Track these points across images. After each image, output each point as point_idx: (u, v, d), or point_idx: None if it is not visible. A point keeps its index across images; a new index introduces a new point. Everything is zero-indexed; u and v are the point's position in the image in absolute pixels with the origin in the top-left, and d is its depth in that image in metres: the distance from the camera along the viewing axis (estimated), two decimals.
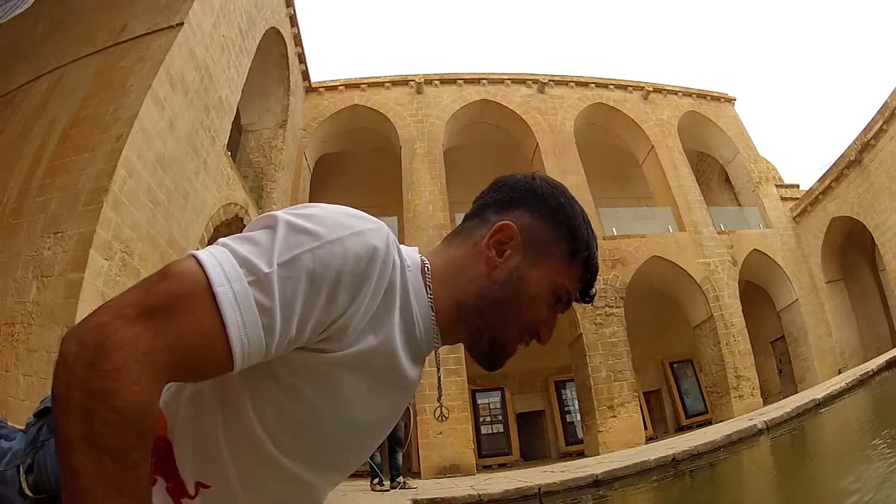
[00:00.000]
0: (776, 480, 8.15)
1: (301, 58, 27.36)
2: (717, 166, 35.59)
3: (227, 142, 17.71)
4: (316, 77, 29.87)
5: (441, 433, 21.49)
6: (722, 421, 22.55)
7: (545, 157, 29.16)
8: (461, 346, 1.70)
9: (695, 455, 11.94)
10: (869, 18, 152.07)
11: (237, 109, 19.49)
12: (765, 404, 23.45)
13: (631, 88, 32.99)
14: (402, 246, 1.60)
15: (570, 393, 29.83)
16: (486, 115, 31.52)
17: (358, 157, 32.82)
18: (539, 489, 10.60)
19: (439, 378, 1.82)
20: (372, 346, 1.43)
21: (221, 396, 1.47)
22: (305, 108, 29.16)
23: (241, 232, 1.38)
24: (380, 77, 30.97)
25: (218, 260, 1.28)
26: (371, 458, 12.85)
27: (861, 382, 15.27)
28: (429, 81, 30.99)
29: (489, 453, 27.56)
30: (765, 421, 13.45)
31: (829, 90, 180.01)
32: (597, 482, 10.88)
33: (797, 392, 24.00)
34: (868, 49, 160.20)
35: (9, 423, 1.78)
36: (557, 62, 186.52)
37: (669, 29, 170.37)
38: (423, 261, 1.67)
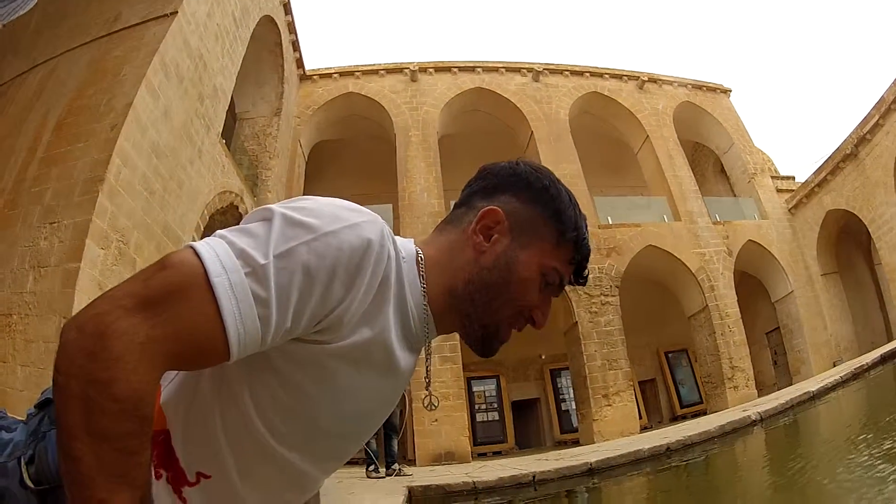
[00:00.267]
0: (768, 471, 8.20)
1: (295, 45, 27.36)
2: (712, 157, 35.65)
3: (221, 130, 17.73)
4: (310, 65, 29.88)
5: (436, 420, 21.57)
6: (717, 411, 22.66)
7: (540, 146, 29.15)
8: (456, 333, 1.71)
9: (689, 445, 12.01)
10: (866, 11, 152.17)
11: (231, 97, 19.48)
12: (759, 396, 23.53)
13: (626, 78, 33.00)
14: (397, 237, 1.61)
15: (565, 381, 29.96)
16: (481, 103, 31.53)
17: (352, 144, 32.85)
18: (534, 477, 10.65)
19: (428, 367, 1.84)
20: (367, 337, 1.45)
21: (219, 388, 1.49)
22: (300, 95, 29.20)
23: (237, 221, 1.39)
24: (374, 65, 30.98)
25: (215, 251, 1.30)
26: (366, 445, 12.89)
27: (855, 376, 15.33)
28: (423, 69, 30.96)
29: (484, 441, 27.68)
30: (759, 412, 13.51)
31: (825, 83, 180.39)
32: (591, 470, 10.93)
33: (792, 384, 24.09)
34: (866, 42, 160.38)
35: (8, 415, 1.79)
36: (552, 51, 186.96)
37: (666, 19, 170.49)
38: (417, 251, 1.67)
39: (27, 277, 10.59)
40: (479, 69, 31.44)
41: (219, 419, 1.49)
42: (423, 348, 1.76)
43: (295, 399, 1.47)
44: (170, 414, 1.53)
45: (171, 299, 1.22)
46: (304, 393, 1.47)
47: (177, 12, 14.07)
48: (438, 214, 25.55)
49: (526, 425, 30.86)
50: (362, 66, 30.91)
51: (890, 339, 23.45)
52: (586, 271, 1.78)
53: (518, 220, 1.68)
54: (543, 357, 30.96)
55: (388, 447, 13.42)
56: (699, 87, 34.31)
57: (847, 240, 28.98)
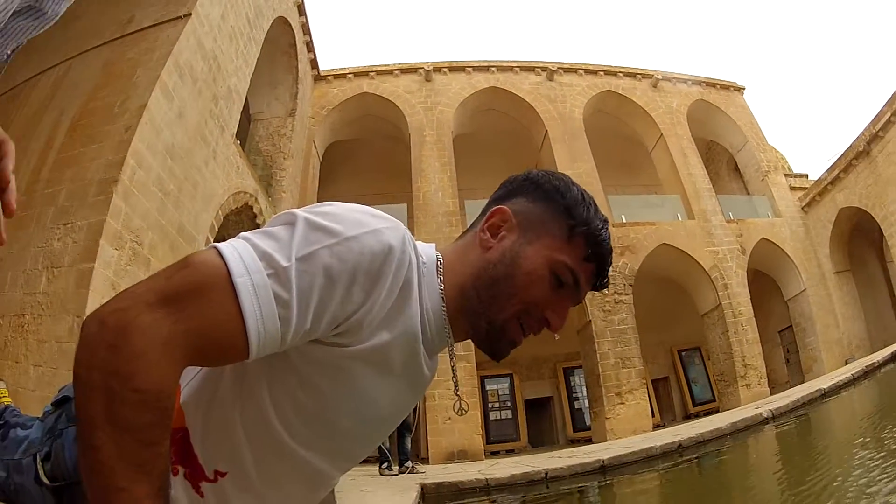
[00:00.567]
0: (779, 468, 8.22)
1: (309, 46, 27.33)
2: (725, 155, 35.48)
3: (236, 131, 17.72)
4: (324, 65, 29.98)
5: (450, 419, 21.59)
6: (729, 409, 22.55)
7: (554, 145, 29.09)
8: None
9: (700, 442, 11.99)
10: (880, 9, 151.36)
11: (246, 98, 19.48)
12: (772, 394, 23.40)
13: (640, 76, 32.90)
14: (418, 243, 1.64)
15: (578, 380, 29.93)
16: (495, 102, 31.45)
17: (367, 144, 32.83)
18: (546, 474, 10.63)
19: (454, 369, 1.87)
20: (385, 341, 1.47)
21: (240, 388, 1.52)
22: (314, 96, 29.18)
23: (251, 221, 1.44)
24: (388, 65, 30.97)
25: (239, 252, 1.32)
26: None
27: (866, 374, 15.30)
28: (437, 69, 30.94)
29: (497, 439, 27.67)
30: (770, 410, 13.49)
31: (838, 80, 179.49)
32: (603, 468, 10.91)
33: (804, 382, 23.97)
34: (879, 39, 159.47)
35: (22, 413, 1.85)
36: (566, 50, 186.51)
37: (679, 17, 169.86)
38: (437, 256, 1.70)
39: (40, 278, 10.59)
40: (493, 68, 31.41)
41: (238, 418, 1.52)
42: (448, 353, 1.79)
43: (314, 400, 1.50)
44: (189, 412, 1.56)
45: (194, 296, 1.26)
46: (322, 394, 1.50)
47: (190, 14, 14.06)
48: (453, 214, 25.67)
49: (539, 424, 30.84)
50: (377, 66, 30.91)
51: None
52: (607, 273, 1.75)
53: (527, 218, 1.70)
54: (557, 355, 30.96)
55: (402, 445, 13.41)
56: (713, 84, 34.13)
57: (859, 238, 28.87)
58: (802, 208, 30.15)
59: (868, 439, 7.68)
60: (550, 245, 1.65)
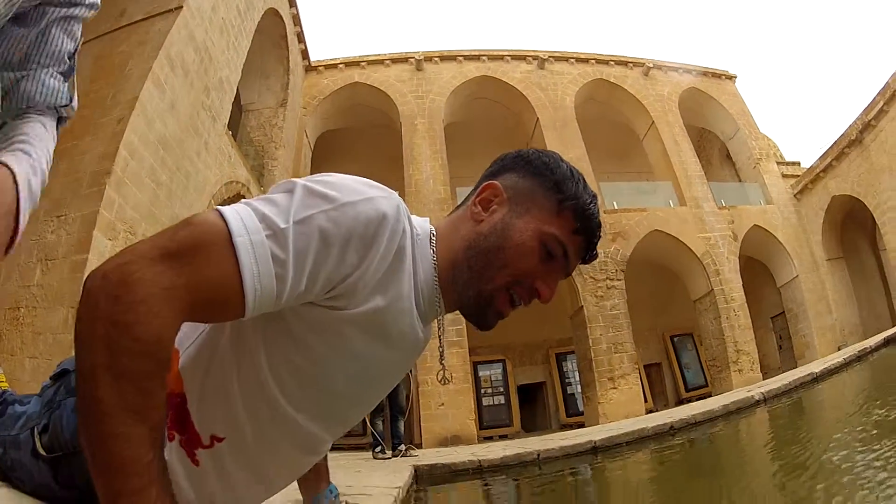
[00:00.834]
0: (770, 447, 8.30)
1: (300, 37, 27.27)
2: (717, 142, 35.53)
3: (227, 121, 17.70)
4: (315, 56, 29.76)
5: (443, 405, 21.73)
6: (721, 394, 22.66)
7: (546, 133, 29.07)
8: (463, 318, 1.81)
9: (692, 424, 12.02)
10: None
11: (237, 89, 19.45)
12: (764, 379, 23.45)
13: (631, 65, 32.90)
14: (413, 216, 1.71)
15: (570, 365, 29.94)
16: (486, 91, 31.46)
17: (359, 133, 32.72)
18: (538, 455, 10.65)
19: (441, 338, 1.94)
20: (379, 306, 1.53)
21: (237, 351, 1.58)
22: (305, 86, 29.12)
23: None
24: (380, 55, 30.90)
25: (240, 215, 1.40)
26: (373, 426, 12.99)
27: (859, 358, 15.35)
28: (429, 58, 30.94)
29: (490, 425, 27.70)
30: (762, 392, 13.52)
31: (831, 69, 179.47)
32: (595, 449, 10.93)
33: (797, 367, 24.05)
34: (872, 28, 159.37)
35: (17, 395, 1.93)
36: (558, 38, 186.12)
37: (671, 5, 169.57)
38: (431, 229, 1.78)
39: (34, 271, 10.56)
40: (484, 57, 31.37)
41: (236, 381, 1.57)
42: (437, 323, 1.87)
43: (309, 362, 1.56)
44: (187, 377, 1.62)
45: (195, 253, 1.33)
46: (317, 356, 1.56)
47: (182, 7, 14.03)
48: (444, 201, 25.69)
49: (532, 409, 30.89)
50: (368, 56, 30.86)
51: (895, 324, 23.46)
52: (595, 250, 1.82)
53: (517, 192, 1.76)
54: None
55: (395, 429, 13.39)
56: (704, 73, 34.15)
57: (852, 225, 28.97)
58: (795, 195, 30.18)
59: (853, 415, 7.80)
60: (540, 218, 1.71)
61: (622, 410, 22.27)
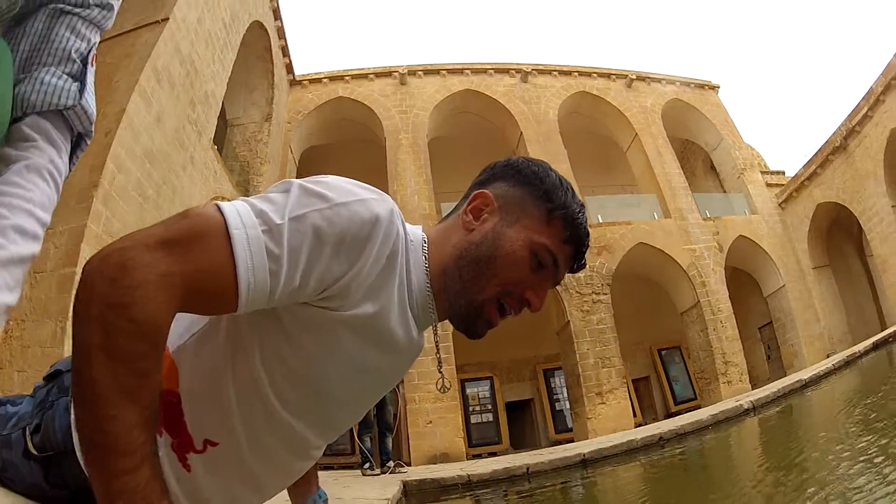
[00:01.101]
0: (758, 454, 8.32)
1: (285, 51, 27.28)
2: (701, 153, 35.66)
3: (213, 136, 17.72)
4: (300, 70, 29.80)
5: (431, 422, 21.62)
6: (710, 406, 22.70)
7: (529, 146, 29.13)
8: (450, 335, 1.78)
9: (681, 434, 12.07)
10: (854, 4, 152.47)
11: (223, 104, 19.47)
12: (753, 390, 23.51)
13: (614, 77, 33.01)
14: (406, 223, 1.69)
15: (558, 381, 29.85)
16: (470, 104, 31.54)
17: (343, 148, 32.72)
18: (527, 469, 10.66)
19: (438, 346, 1.91)
20: (371, 311, 1.53)
21: (232, 352, 1.57)
22: (290, 101, 29.12)
23: None
24: (364, 69, 30.95)
25: (237, 209, 1.41)
26: (361, 443, 12.97)
27: (848, 363, 15.43)
28: (412, 72, 30.91)
29: (479, 442, 27.55)
30: (751, 401, 13.60)
31: (814, 77, 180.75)
32: (584, 461, 10.96)
33: (785, 377, 24.18)
34: (853, 35, 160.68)
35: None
36: (541, 51, 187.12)
37: (653, 17, 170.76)
38: (423, 236, 1.77)
39: (23, 284, 10.55)
40: (467, 71, 31.42)
41: (231, 382, 1.56)
42: (432, 331, 1.85)
43: (304, 364, 1.55)
44: (182, 376, 1.60)
45: (191, 242, 1.34)
46: (311, 356, 1.55)
47: (168, 19, 14.02)
48: (429, 217, 25.57)
49: (520, 426, 30.77)
50: (352, 70, 30.90)
51: (884, 329, 23.56)
52: (584, 255, 1.83)
53: (507, 201, 1.76)
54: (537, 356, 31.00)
55: (383, 445, 13.39)
56: (687, 84, 34.35)
57: (838, 232, 29.11)
58: (779, 205, 30.36)
59: (842, 416, 7.84)
60: (530, 227, 1.71)
61: (611, 425, 22.18)
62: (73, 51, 1.82)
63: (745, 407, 13.21)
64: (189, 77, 15.46)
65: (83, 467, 1.38)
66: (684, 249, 27.15)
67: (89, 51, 1.87)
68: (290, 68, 28.51)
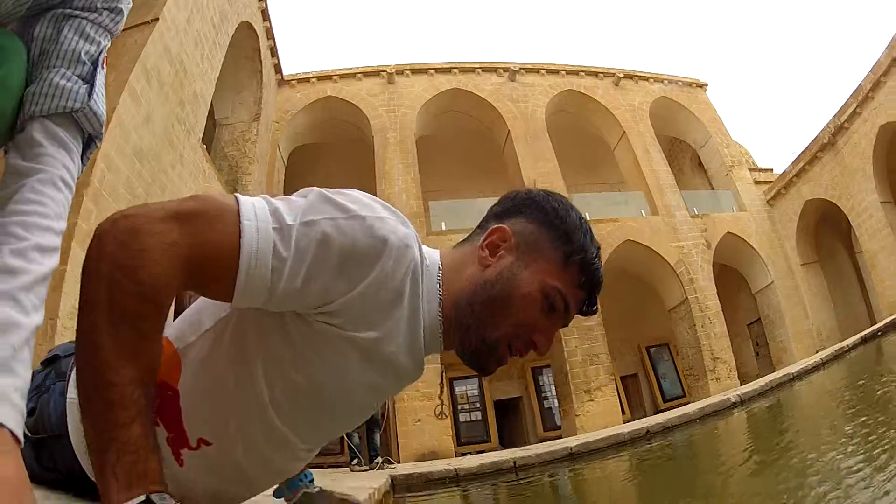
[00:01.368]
0: (745, 444, 8.37)
1: (273, 51, 27.24)
2: (689, 151, 35.80)
3: (202, 135, 17.71)
4: (288, 70, 29.71)
5: (419, 421, 21.72)
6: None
7: (517, 145, 29.28)
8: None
9: (668, 428, 12.06)
10: (843, 2, 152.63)
11: (211, 103, 19.45)
12: (741, 386, 23.56)
13: (602, 75, 33.10)
14: (424, 247, 1.68)
15: (547, 379, 30.01)
16: (458, 103, 31.58)
17: (331, 147, 32.80)
18: (514, 462, 10.61)
19: (442, 374, 1.91)
20: (372, 337, 1.54)
21: (236, 357, 1.60)
22: (278, 100, 29.08)
23: None
24: (351, 68, 31.01)
25: (253, 203, 1.46)
26: (349, 439, 13.02)
27: (836, 357, 15.45)
28: (400, 72, 30.98)
29: (468, 441, 27.61)
30: (738, 395, 13.60)
31: (802, 74, 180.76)
32: (571, 455, 10.91)
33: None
34: (842, 32, 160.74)
35: None
36: (529, 50, 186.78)
37: (641, 16, 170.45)
38: (438, 263, 1.76)
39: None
40: (455, 70, 31.50)
41: (231, 391, 1.60)
42: (439, 359, 1.90)
43: (306, 379, 1.58)
44: (186, 376, 1.62)
45: (202, 220, 1.39)
46: (315, 374, 1.58)
47: (157, 19, 14.02)
48: (417, 215, 25.64)
49: (509, 424, 30.88)
50: (340, 69, 30.96)
51: (873, 324, 23.59)
52: (596, 301, 1.81)
53: (525, 240, 1.74)
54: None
55: (371, 441, 13.36)
56: (675, 82, 34.44)
57: (827, 229, 29.25)
58: (768, 202, 30.52)
59: (829, 408, 7.90)
60: (546, 270, 1.70)
61: (599, 423, 22.23)
62: (82, 53, 1.76)
63: (733, 400, 13.21)
64: (178, 77, 15.46)
65: (79, 421, 1.36)
66: (672, 246, 27.28)
67: (99, 53, 1.88)
68: (278, 68, 28.48)
